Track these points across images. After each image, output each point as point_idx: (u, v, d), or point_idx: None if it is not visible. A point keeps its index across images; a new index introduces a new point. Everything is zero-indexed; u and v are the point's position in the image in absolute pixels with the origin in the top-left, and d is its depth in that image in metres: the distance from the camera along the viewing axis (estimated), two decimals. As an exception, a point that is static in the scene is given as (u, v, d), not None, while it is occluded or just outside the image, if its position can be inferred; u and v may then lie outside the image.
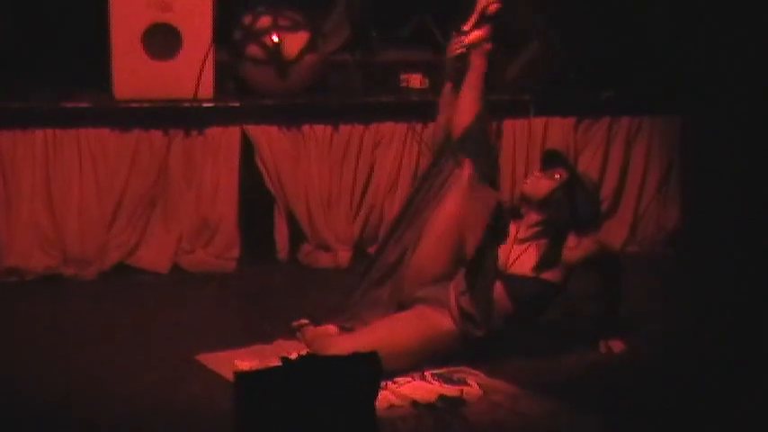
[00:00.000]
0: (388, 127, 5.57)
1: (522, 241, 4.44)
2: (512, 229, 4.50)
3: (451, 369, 4.30)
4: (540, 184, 4.47)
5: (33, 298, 5.07)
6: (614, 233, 5.81)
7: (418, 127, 5.55)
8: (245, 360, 4.27)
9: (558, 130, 5.70)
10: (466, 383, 4.20)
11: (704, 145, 5.77)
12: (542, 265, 4.40)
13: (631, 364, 4.49)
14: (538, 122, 5.66)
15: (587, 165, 5.74)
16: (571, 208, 4.43)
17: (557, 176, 4.46)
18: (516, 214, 4.53)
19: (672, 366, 4.47)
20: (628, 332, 4.62)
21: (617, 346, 4.56)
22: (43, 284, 5.21)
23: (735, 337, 4.66)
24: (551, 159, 4.55)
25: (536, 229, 4.45)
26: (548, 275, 4.40)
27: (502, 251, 4.45)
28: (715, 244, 5.65)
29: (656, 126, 5.81)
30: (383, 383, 3.90)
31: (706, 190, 5.78)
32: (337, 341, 4.27)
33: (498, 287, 4.39)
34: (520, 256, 4.42)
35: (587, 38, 5.78)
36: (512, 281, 4.40)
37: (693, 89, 5.74)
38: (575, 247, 4.43)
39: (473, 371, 4.29)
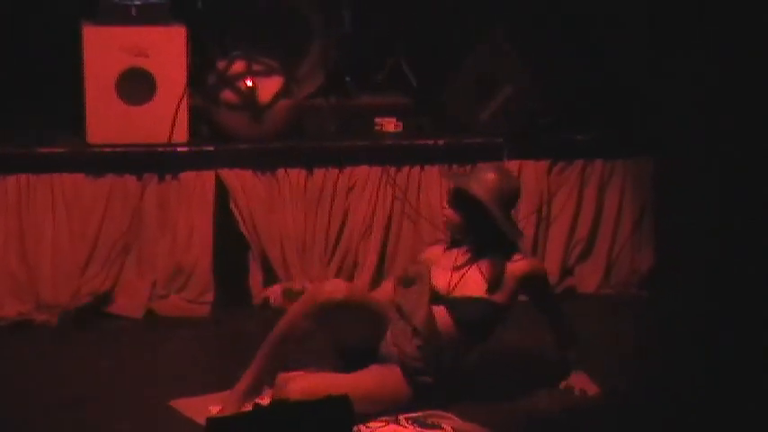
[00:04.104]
0: (362, 171, 5.57)
1: (460, 267, 4.42)
2: (448, 256, 4.48)
3: (426, 413, 4.28)
4: (450, 214, 4.44)
5: (4, 344, 5.03)
6: (588, 276, 5.80)
7: (392, 171, 5.56)
8: (219, 406, 4.26)
9: (531, 174, 5.70)
10: (440, 427, 4.19)
11: (677, 186, 5.79)
12: (492, 285, 4.37)
13: (606, 405, 4.48)
14: (511, 165, 5.68)
15: (561, 208, 5.75)
16: (491, 224, 4.37)
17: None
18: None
19: (647, 408, 4.46)
20: (601, 374, 4.62)
21: (591, 388, 4.55)
22: (15, 330, 5.17)
23: (711, 378, 4.66)
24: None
25: (469, 255, 4.43)
26: (494, 296, 4.38)
27: (440, 277, 4.41)
28: (689, 285, 5.66)
29: (629, 168, 5.83)
30: (356, 428, 3.88)
31: (679, 231, 5.79)
32: (299, 379, 4.20)
33: (442, 312, 4.35)
34: (462, 278, 4.40)
35: (560, 81, 5.82)
36: (456, 304, 4.36)
37: (665, 131, 5.76)
38: (520, 260, 4.42)
39: (446, 414, 4.28)
